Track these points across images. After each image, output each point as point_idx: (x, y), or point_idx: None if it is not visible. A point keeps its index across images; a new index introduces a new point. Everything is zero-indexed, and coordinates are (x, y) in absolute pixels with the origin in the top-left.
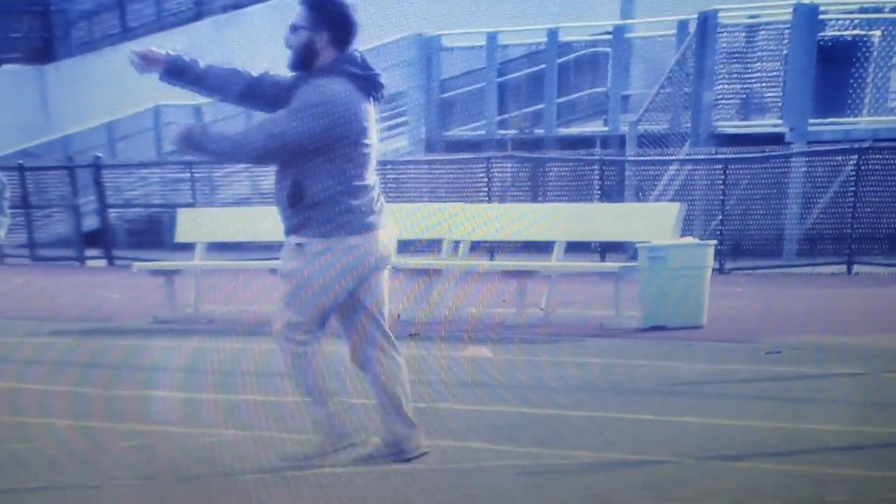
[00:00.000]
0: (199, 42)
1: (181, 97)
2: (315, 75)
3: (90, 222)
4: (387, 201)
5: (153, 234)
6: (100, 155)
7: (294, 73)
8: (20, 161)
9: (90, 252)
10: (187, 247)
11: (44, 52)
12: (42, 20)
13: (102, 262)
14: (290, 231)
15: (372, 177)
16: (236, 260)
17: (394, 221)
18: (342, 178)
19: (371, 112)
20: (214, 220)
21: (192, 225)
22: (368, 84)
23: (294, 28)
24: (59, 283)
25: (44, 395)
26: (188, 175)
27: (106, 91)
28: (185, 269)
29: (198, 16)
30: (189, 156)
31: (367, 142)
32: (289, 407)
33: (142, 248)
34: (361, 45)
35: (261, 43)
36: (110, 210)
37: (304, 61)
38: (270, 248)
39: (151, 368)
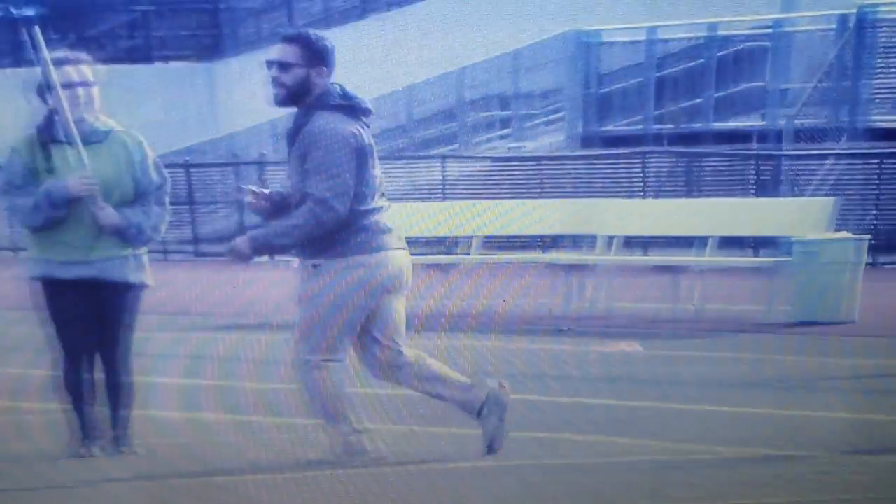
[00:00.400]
0: (363, 40)
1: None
2: (310, 117)
3: (253, 218)
4: (543, 197)
5: None
6: (264, 152)
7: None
8: (187, 158)
9: None
10: None
11: (212, 49)
12: (211, 18)
13: (263, 259)
14: (306, 255)
15: (381, 199)
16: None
17: (405, 248)
18: (355, 202)
19: (368, 136)
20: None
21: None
22: (358, 111)
23: (284, 66)
24: (218, 279)
25: (205, 389)
26: None
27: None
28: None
29: (363, 13)
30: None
31: (373, 165)
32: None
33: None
34: (520, 42)
35: (423, 40)
36: None
37: (297, 97)
38: (418, 244)
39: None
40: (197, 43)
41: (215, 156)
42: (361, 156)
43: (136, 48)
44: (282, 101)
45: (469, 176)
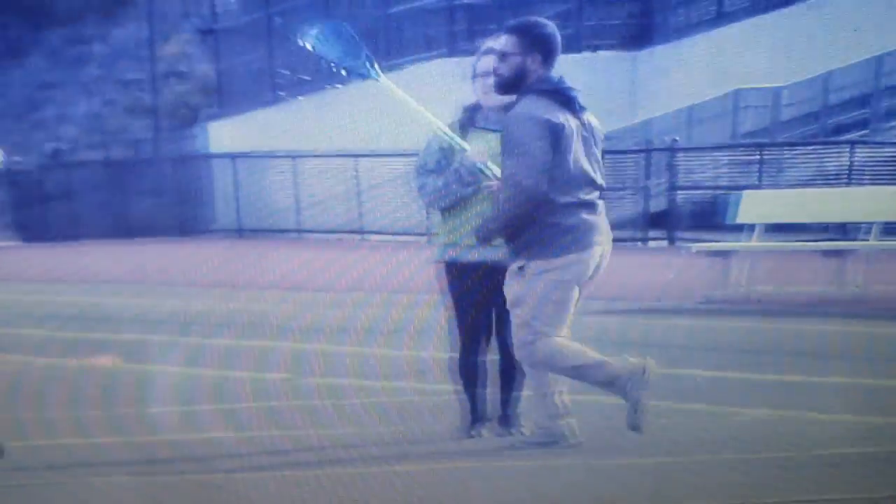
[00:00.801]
0: (796, 27)
1: (762, 80)
2: (523, 98)
3: (657, 204)
4: None
5: (714, 215)
6: (677, 138)
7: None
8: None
9: (653, 233)
10: (744, 228)
11: (639, 38)
12: (642, 6)
13: (664, 243)
14: (513, 256)
15: (587, 193)
16: (789, 241)
17: (609, 236)
18: (555, 192)
19: (576, 127)
20: (776, 202)
21: (754, 206)
22: (568, 99)
23: (502, 55)
24: (619, 263)
25: None
26: (758, 157)
27: (690, 75)
28: (740, 251)
29: (787, 1)
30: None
31: (581, 155)
32: (818, 387)
33: (702, 229)
34: None
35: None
36: (678, 192)
37: (514, 86)
38: (815, 229)
39: (684, 346)
40: (626, 32)
41: (630, 142)
42: (560, 141)
43: (567, 38)
44: (500, 90)
45: (878, 162)
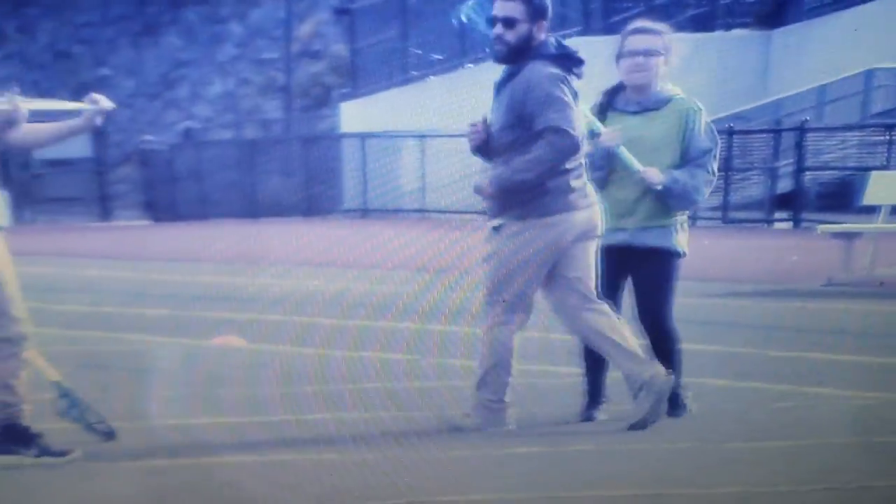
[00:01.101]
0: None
1: None
2: (523, 66)
3: (783, 185)
4: None
5: (841, 197)
6: (807, 118)
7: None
8: (730, 124)
9: (779, 215)
10: (872, 210)
11: (774, 16)
12: None
13: (788, 225)
14: (491, 214)
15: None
16: None
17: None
18: None
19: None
20: None
21: (881, 187)
22: (572, 62)
23: (508, 22)
24: (742, 244)
25: (700, 354)
26: (886, 138)
27: (823, 54)
28: (866, 232)
29: None
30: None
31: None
32: None
33: (828, 210)
34: None
35: None
36: (805, 173)
37: (518, 54)
38: None
39: (808, 329)
40: (760, 10)
41: (760, 122)
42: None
43: (702, 17)
44: (503, 58)
45: None
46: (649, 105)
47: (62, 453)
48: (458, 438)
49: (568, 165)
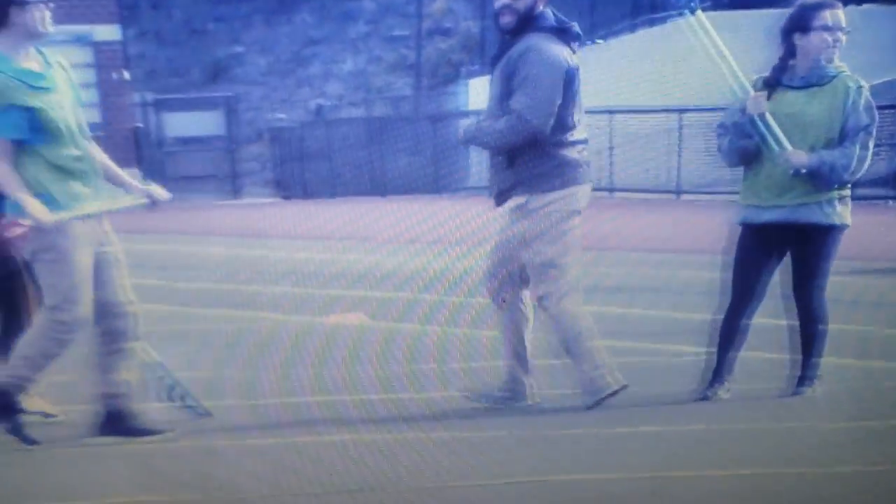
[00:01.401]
0: None
1: None
2: (520, 39)
3: None
4: None
5: None
6: None
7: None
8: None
9: None
10: None
11: None
12: None
13: None
14: (503, 192)
15: (582, 130)
16: None
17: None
18: (560, 130)
19: (575, 61)
20: None
21: None
22: (570, 35)
23: None
24: (864, 221)
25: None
26: None
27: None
28: None
29: None
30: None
31: (577, 91)
32: None
33: None
34: None
35: None
36: None
37: (524, 24)
38: None
39: None
40: None
41: (888, 98)
42: (568, 79)
43: None
44: (511, 29)
45: None
46: (813, 80)
47: (159, 432)
48: (579, 417)
49: (574, 137)
